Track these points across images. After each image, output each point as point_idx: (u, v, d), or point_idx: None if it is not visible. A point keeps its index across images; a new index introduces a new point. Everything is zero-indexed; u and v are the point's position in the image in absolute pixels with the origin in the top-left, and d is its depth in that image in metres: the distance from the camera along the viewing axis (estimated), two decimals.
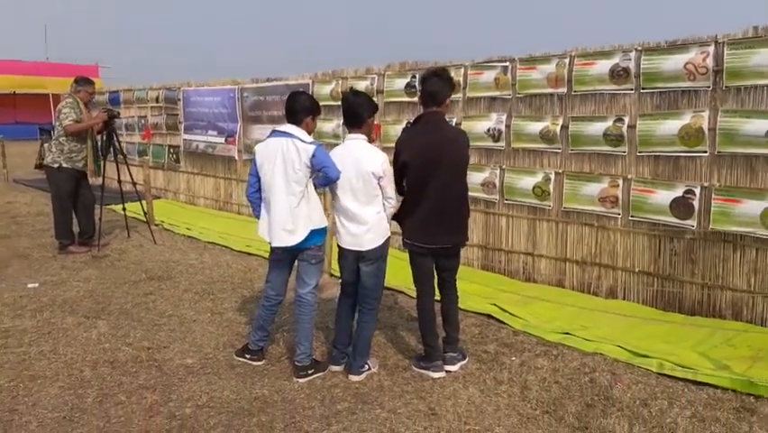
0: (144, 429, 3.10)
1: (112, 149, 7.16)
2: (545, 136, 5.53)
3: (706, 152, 4.60)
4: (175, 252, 7.00)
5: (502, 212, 6.02)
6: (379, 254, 3.66)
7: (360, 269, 3.70)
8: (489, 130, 5.98)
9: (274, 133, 3.71)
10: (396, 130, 6.79)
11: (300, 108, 3.68)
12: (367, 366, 3.78)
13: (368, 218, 3.60)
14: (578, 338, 4.29)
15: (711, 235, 4.63)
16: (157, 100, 11.27)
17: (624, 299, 5.19)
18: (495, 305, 4.91)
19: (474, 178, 6.15)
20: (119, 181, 7.41)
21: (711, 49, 4.49)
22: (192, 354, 4.07)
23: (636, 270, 5.10)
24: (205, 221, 8.85)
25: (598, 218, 5.31)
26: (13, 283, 5.70)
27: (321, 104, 7.50)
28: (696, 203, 4.67)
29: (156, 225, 8.45)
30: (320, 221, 3.67)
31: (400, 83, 6.77)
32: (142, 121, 11.80)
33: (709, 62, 4.50)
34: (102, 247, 7.11)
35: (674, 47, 4.70)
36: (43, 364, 3.87)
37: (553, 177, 5.55)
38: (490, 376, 3.72)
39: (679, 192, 4.75)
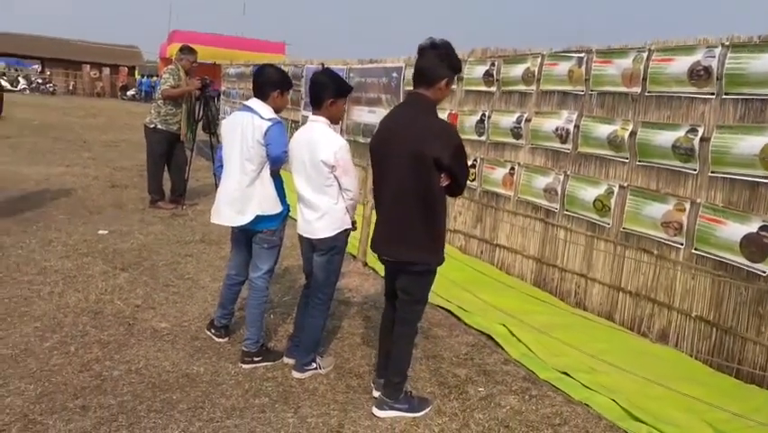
0: (65, 382, 3.21)
1: (205, 117, 7.61)
2: (613, 142, 4.73)
3: None
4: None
5: (561, 224, 5.31)
6: (332, 246, 3.36)
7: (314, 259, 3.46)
8: (557, 129, 5.28)
9: (241, 107, 3.59)
10: (471, 121, 6.34)
11: (266, 82, 3.49)
12: (314, 365, 3.54)
13: (321, 205, 3.31)
14: (574, 382, 3.63)
15: None
16: None
17: (676, 345, 4.30)
18: (504, 325, 4.35)
19: (537, 182, 5.52)
20: (211, 147, 7.84)
21: None
22: (170, 319, 4.15)
23: (694, 314, 4.19)
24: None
25: (659, 246, 4.43)
26: (91, 228, 6.32)
27: (410, 88, 7.44)
28: None
29: None
30: (271, 207, 3.47)
31: (480, 71, 6.25)
32: None
33: None
34: (189, 206, 7.62)
35: None
36: (41, 305, 4.19)
37: (616, 190, 4.74)
38: (436, 404, 3.28)
39: (753, 227, 3.77)
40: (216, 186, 3.73)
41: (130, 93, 39.78)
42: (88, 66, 41.11)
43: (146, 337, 3.84)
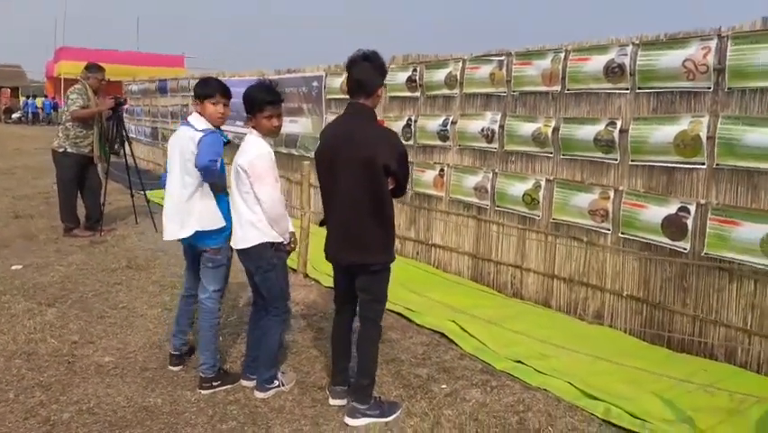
0: (10, 432, 2.97)
1: (119, 137, 7.25)
2: (537, 139, 4.99)
3: (703, 164, 3.95)
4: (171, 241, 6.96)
5: (493, 219, 5.53)
6: (257, 264, 3.31)
7: None
8: (482, 130, 5.49)
9: (183, 122, 3.52)
10: (397, 127, 6.44)
11: (207, 94, 3.45)
12: (277, 383, 3.48)
13: (241, 214, 3.30)
14: (529, 369, 3.80)
15: (705, 261, 3.98)
16: None
17: (611, 324, 4.60)
18: (454, 322, 4.47)
19: (467, 181, 5.71)
20: (127, 168, 7.48)
21: (714, 43, 3.83)
22: (113, 352, 3.93)
23: (625, 294, 4.50)
24: None
25: (588, 233, 4.72)
26: (1, 263, 5.84)
27: (332, 97, 7.48)
28: (690, 222, 4.02)
29: None
30: (211, 222, 3.39)
31: (402, 77, 6.38)
32: (185, 109, 12.02)
33: (710, 59, 3.84)
34: (107, 232, 7.21)
35: (674, 41, 4.05)
36: None
37: (543, 184, 5.00)
38: (405, 406, 3.32)
39: (672, 209, 4.12)
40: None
41: (15, 116, 36.92)
42: None
43: (91, 374, 3.62)
